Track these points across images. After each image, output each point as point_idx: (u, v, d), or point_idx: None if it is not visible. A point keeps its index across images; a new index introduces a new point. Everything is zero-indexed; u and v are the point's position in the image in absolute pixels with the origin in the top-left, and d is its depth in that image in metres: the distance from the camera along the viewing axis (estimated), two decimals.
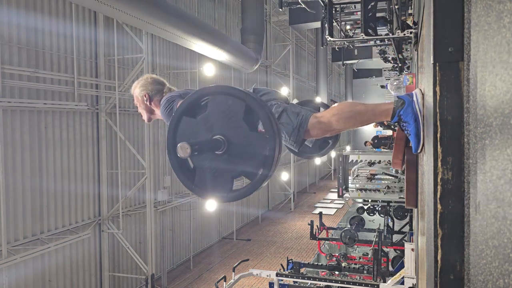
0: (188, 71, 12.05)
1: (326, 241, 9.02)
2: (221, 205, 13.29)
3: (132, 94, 2.21)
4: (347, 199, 9.91)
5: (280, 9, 11.10)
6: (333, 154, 24.72)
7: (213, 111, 1.43)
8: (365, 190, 8.66)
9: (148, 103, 2.11)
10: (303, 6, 7.61)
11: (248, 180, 1.44)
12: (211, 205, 11.74)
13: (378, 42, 7.90)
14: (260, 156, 1.39)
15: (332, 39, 5.40)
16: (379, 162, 8.74)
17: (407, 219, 8.64)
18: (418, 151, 1.63)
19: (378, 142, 11.65)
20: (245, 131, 1.39)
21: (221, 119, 1.42)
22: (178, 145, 1.29)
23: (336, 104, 1.86)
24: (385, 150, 10.37)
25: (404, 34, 3.91)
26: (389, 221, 8.65)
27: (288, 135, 1.81)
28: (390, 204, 8.72)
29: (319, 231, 8.97)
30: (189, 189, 1.48)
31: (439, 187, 1.00)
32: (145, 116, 2.18)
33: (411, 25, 3.82)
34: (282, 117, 1.83)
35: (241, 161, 1.41)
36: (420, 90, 1.68)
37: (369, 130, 31.10)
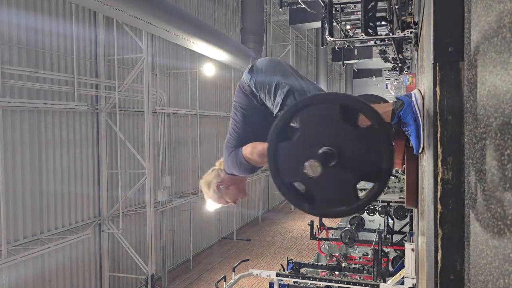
0: (188, 71, 12.05)
1: (326, 241, 9.02)
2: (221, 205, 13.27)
3: (215, 200, 2.08)
4: None
5: (280, 9, 11.10)
6: None
7: (306, 125, 1.33)
8: (365, 190, 8.64)
9: (225, 187, 1.99)
10: (303, 6, 7.62)
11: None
12: (211, 205, 11.73)
13: (378, 42, 7.90)
14: (376, 150, 1.28)
15: (332, 39, 5.40)
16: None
17: (407, 219, 8.64)
18: (419, 151, 1.63)
19: None
20: (349, 131, 1.29)
21: (319, 129, 1.31)
22: (307, 163, 1.20)
23: None
24: None
25: (404, 34, 3.91)
26: (389, 221, 8.64)
27: None
28: (390, 204, 8.71)
29: (319, 231, 8.97)
30: (311, 213, 1.37)
31: (439, 187, 1.00)
32: (239, 194, 2.04)
33: (411, 25, 3.83)
34: (288, 98, 1.72)
35: (357, 163, 1.30)
36: (419, 90, 1.68)
37: None
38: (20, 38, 7.12)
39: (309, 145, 1.30)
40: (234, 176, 1.96)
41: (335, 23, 5.89)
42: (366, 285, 5.69)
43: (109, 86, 9.10)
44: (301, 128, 1.33)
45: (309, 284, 6.70)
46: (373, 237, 7.71)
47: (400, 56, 7.87)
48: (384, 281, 5.75)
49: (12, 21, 6.97)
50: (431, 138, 1.12)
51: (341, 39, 6.10)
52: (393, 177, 8.96)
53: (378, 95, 2.55)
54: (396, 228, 8.80)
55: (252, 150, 1.77)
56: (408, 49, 8.41)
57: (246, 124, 1.86)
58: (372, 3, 4.84)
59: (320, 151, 1.28)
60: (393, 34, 5.04)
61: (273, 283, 6.35)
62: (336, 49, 8.32)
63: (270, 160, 1.35)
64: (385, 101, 2.22)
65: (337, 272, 7.27)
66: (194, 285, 10.72)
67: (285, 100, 1.72)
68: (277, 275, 6.31)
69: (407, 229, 8.37)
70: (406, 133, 1.66)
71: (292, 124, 1.36)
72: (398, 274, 5.36)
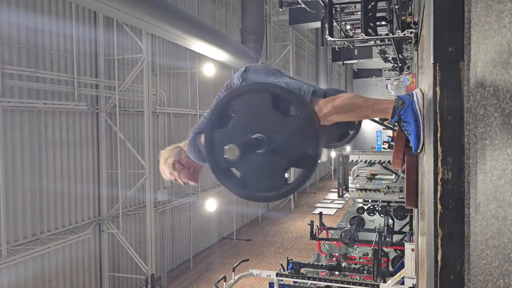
0: (188, 71, 12.05)
1: (326, 241, 9.02)
2: (221, 205, 13.30)
3: (165, 175, 2.12)
4: (347, 199, 9.91)
5: (280, 9, 11.11)
6: (333, 154, 24.73)
7: (240, 114, 1.41)
8: (365, 190, 8.66)
9: (180, 166, 2.04)
10: (303, 6, 7.62)
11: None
12: (211, 205, 11.75)
13: (378, 42, 7.90)
14: (303, 138, 1.35)
15: (332, 39, 5.40)
16: (379, 162, 8.74)
17: (407, 219, 8.64)
18: (418, 151, 1.63)
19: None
20: (280, 120, 1.35)
21: (252, 118, 1.39)
22: (226, 147, 1.25)
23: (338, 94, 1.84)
24: (385, 150, 10.36)
25: (404, 34, 3.91)
26: (389, 221, 8.65)
27: None
28: (390, 204, 8.72)
29: (319, 231, 8.97)
30: (246, 198, 1.43)
31: (439, 187, 1.00)
32: (190, 178, 2.08)
33: (411, 25, 3.83)
34: None
35: (287, 151, 1.37)
36: (420, 90, 1.68)
37: (370, 130, 31.11)
38: (20, 38, 7.12)
39: (242, 132, 1.38)
40: (192, 161, 2.01)
41: (335, 23, 5.90)
42: (366, 285, 5.69)
43: (109, 86, 9.10)
44: (235, 116, 1.41)
45: (309, 284, 6.70)
46: (373, 237, 7.72)
47: (400, 56, 7.87)
48: (384, 281, 5.75)
49: (12, 21, 6.97)
50: (431, 138, 1.12)
51: (341, 39, 6.10)
52: (392, 177, 8.96)
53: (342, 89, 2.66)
54: (396, 228, 8.81)
55: None
56: (408, 49, 8.41)
57: None
58: (372, 3, 4.85)
59: (251, 137, 1.35)
60: (393, 34, 5.04)
61: (273, 283, 6.35)
62: (336, 49, 8.32)
63: (206, 146, 1.44)
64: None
65: (337, 272, 7.27)
66: (194, 285, 10.72)
67: None
68: (277, 275, 6.31)
69: (407, 229, 8.38)
70: (406, 132, 1.66)
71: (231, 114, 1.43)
72: (398, 274, 5.36)
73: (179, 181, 2.10)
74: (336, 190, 9.50)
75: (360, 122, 2.44)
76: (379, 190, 8.53)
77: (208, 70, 12.12)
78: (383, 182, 8.72)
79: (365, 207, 9.58)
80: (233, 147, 1.25)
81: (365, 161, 8.80)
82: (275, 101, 1.37)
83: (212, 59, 10.94)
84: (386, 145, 11.40)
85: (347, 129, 2.45)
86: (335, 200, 19.69)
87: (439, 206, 1.00)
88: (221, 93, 1.96)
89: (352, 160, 9.14)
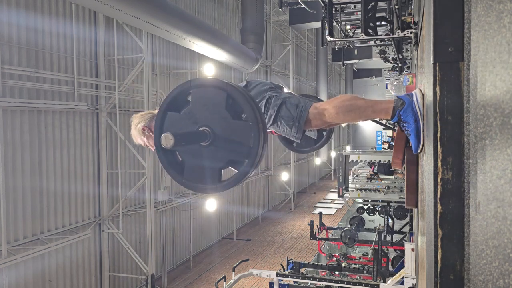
0: (188, 71, 12.05)
1: (326, 241, 9.03)
2: (221, 205, 13.30)
3: (135, 139, 2.12)
4: (347, 199, 9.90)
5: (280, 9, 11.11)
6: (333, 154, 24.72)
7: (196, 103, 1.44)
8: (365, 190, 8.66)
9: (150, 133, 2.04)
10: (303, 6, 7.62)
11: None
12: (211, 205, 11.75)
13: (378, 42, 7.89)
14: (245, 144, 1.39)
15: (332, 39, 5.40)
16: (379, 161, 8.74)
17: (407, 219, 8.65)
18: (418, 151, 1.63)
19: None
20: (229, 121, 1.39)
21: (205, 110, 1.42)
22: (162, 135, 1.28)
23: (337, 96, 1.86)
24: (385, 150, 10.35)
25: (404, 34, 3.91)
26: (389, 221, 8.64)
27: (290, 127, 1.81)
28: (390, 204, 8.72)
29: (319, 231, 8.97)
30: (179, 183, 1.48)
31: (439, 187, 1.00)
32: (151, 146, 2.07)
33: (411, 25, 3.83)
34: (281, 110, 1.83)
35: (227, 151, 1.41)
36: (420, 90, 1.68)
37: (370, 130, 31.10)
38: (20, 38, 7.12)
39: (192, 121, 1.43)
40: None
41: (335, 23, 5.89)
42: (366, 285, 5.69)
43: (109, 86, 9.10)
44: (191, 104, 1.45)
45: (309, 284, 6.70)
46: (373, 237, 7.72)
47: (400, 56, 7.87)
48: (384, 281, 5.75)
49: (12, 21, 6.97)
50: (431, 138, 1.12)
51: (341, 39, 6.10)
52: (392, 177, 8.96)
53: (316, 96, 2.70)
54: (396, 228, 8.81)
55: None
56: (408, 49, 8.41)
57: None
58: (372, 3, 4.84)
59: (199, 129, 1.40)
60: (393, 34, 5.04)
61: (273, 283, 6.35)
62: (336, 49, 8.32)
63: (156, 124, 1.48)
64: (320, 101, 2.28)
65: (337, 272, 7.27)
66: (194, 285, 10.72)
67: (278, 112, 1.83)
68: (277, 275, 6.31)
69: (407, 229, 8.38)
70: (406, 132, 1.66)
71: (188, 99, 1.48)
72: (398, 274, 5.36)
73: (149, 146, 2.11)
74: (336, 190, 9.50)
75: (330, 133, 2.50)
76: (379, 190, 8.53)
77: (208, 70, 12.12)
78: (383, 182, 8.72)
79: (365, 207, 9.58)
80: (168, 136, 1.28)
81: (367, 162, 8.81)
82: (230, 102, 1.40)
83: (212, 59, 10.93)
84: (386, 145, 11.38)
85: (321, 132, 2.48)
86: (335, 200, 19.69)
87: (439, 206, 1.00)
88: None
89: (352, 160, 9.15)
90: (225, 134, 1.40)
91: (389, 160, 8.53)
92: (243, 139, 1.39)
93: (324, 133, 2.49)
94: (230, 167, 1.47)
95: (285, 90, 2.05)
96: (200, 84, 1.45)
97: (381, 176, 8.98)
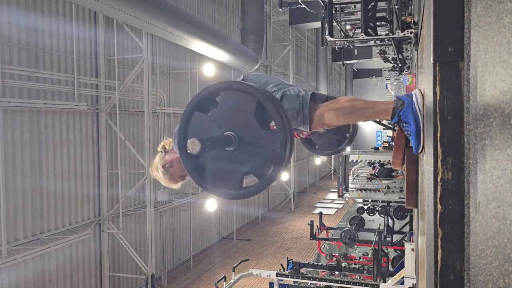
0: (188, 71, 12.05)
1: (326, 241, 9.02)
2: (221, 205, 13.29)
3: (167, 181, 2.11)
4: (347, 199, 9.90)
5: (280, 9, 11.11)
6: None
7: (224, 107, 1.40)
8: (365, 190, 8.66)
9: (169, 163, 2.04)
10: (303, 6, 7.62)
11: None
12: (211, 205, 11.75)
13: (378, 42, 7.89)
14: (270, 154, 1.35)
15: (332, 39, 5.40)
16: (379, 161, 8.74)
17: (407, 219, 8.65)
18: (419, 151, 1.63)
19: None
20: (256, 128, 1.36)
21: (232, 115, 1.39)
22: (188, 141, 1.26)
23: (337, 98, 1.85)
24: (385, 150, 10.35)
25: (404, 34, 3.91)
26: (389, 221, 8.65)
27: (295, 119, 1.79)
28: (390, 204, 8.72)
29: (319, 231, 8.97)
30: (198, 184, 1.45)
31: (439, 187, 1.00)
32: (182, 173, 2.06)
33: (411, 25, 3.83)
34: (282, 102, 1.80)
35: (251, 159, 1.38)
36: (420, 90, 1.68)
37: (370, 130, 31.09)
38: (20, 38, 7.12)
39: (217, 124, 1.40)
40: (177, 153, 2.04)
41: (335, 23, 5.90)
42: (366, 285, 5.69)
43: (109, 86, 9.10)
44: (219, 106, 1.41)
45: (309, 284, 6.70)
46: (373, 237, 7.72)
47: (400, 56, 7.87)
48: (384, 281, 5.75)
49: (12, 21, 6.97)
50: (431, 138, 1.12)
51: (341, 39, 6.10)
52: (391, 178, 8.96)
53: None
54: (396, 228, 8.81)
55: None
56: (408, 49, 8.41)
57: None
58: (372, 3, 4.84)
59: (225, 133, 1.37)
60: (393, 34, 5.04)
61: (273, 283, 6.35)
62: (336, 49, 8.32)
63: (181, 123, 1.44)
64: None
65: (337, 272, 7.27)
66: (194, 285, 10.72)
67: None
68: (277, 275, 6.31)
69: (407, 229, 8.38)
70: (406, 132, 1.66)
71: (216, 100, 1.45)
72: (398, 274, 5.36)
73: (180, 180, 2.09)
74: (336, 190, 9.50)
75: (355, 124, 2.45)
76: (379, 190, 8.53)
77: (208, 70, 12.12)
78: (383, 182, 8.72)
79: (365, 207, 9.59)
80: (195, 142, 1.26)
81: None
82: (260, 110, 1.37)
83: (212, 59, 10.93)
84: (386, 145, 11.38)
85: (344, 133, 2.46)
86: (335, 200, 19.69)
87: (439, 206, 1.00)
88: None
89: (352, 160, 9.15)
90: (251, 141, 1.37)
91: (389, 161, 8.53)
92: (269, 148, 1.36)
93: (347, 135, 2.47)
94: (252, 175, 1.44)
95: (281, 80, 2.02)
96: (230, 87, 1.42)
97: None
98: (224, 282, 6.02)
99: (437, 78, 1.01)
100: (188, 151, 1.28)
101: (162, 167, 2.05)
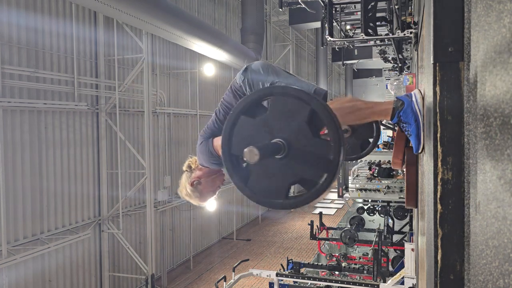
0: (188, 71, 12.05)
1: (326, 241, 9.02)
2: (221, 205, 13.30)
3: (198, 199, 2.13)
4: (347, 199, 9.90)
5: (280, 9, 11.11)
6: None
7: (274, 112, 1.34)
8: (365, 190, 8.65)
9: (197, 182, 2.04)
10: (303, 6, 7.62)
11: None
12: (211, 205, 11.74)
13: (378, 42, 7.90)
14: (323, 162, 1.30)
15: (332, 39, 5.40)
16: (379, 162, 8.74)
17: (407, 219, 8.64)
18: (419, 151, 1.63)
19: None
20: (307, 135, 1.30)
21: (283, 121, 1.33)
22: (246, 149, 1.20)
23: (336, 98, 1.85)
24: (385, 150, 10.35)
25: (404, 34, 3.92)
26: (389, 221, 8.64)
27: None
28: (390, 204, 8.72)
29: (319, 231, 8.97)
30: (240, 190, 1.39)
31: (439, 187, 1.00)
32: (212, 188, 2.08)
33: (411, 25, 3.83)
34: None
35: (301, 167, 1.32)
36: (419, 90, 1.68)
37: None
38: (20, 38, 7.12)
39: (267, 130, 1.33)
40: (205, 168, 2.02)
41: (335, 23, 5.90)
42: (366, 285, 5.69)
43: (109, 86, 9.10)
44: (268, 112, 1.35)
45: (309, 284, 6.70)
46: (373, 237, 7.71)
47: (400, 56, 7.87)
48: (384, 281, 5.75)
49: (12, 21, 6.97)
50: (431, 138, 1.12)
51: (341, 39, 6.11)
52: (391, 178, 8.96)
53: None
54: (396, 228, 8.80)
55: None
56: (408, 49, 8.41)
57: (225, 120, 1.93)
58: (372, 3, 4.85)
59: (275, 140, 1.31)
60: (393, 34, 5.04)
61: (273, 283, 6.35)
62: (336, 49, 8.33)
63: (227, 125, 1.38)
64: None
65: (337, 272, 7.27)
66: (194, 285, 10.72)
67: None
68: (277, 275, 6.30)
69: (407, 229, 8.38)
70: (406, 133, 1.66)
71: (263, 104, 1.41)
72: (398, 274, 5.36)
73: (211, 195, 2.09)
74: (336, 190, 9.49)
75: (378, 128, 2.42)
76: (379, 190, 8.52)
77: (208, 70, 12.12)
78: (383, 182, 8.72)
79: (365, 207, 9.58)
80: (253, 150, 1.19)
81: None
82: (312, 116, 1.31)
83: (212, 59, 10.93)
84: (386, 144, 11.37)
85: (367, 138, 2.43)
86: (335, 200, 19.68)
87: (439, 206, 1.00)
88: (226, 95, 1.95)
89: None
90: (302, 149, 1.31)
91: (389, 161, 8.53)
92: (321, 158, 1.30)
93: (370, 140, 2.45)
94: (298, 185, 1.39)
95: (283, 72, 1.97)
96: (282, 93, 1.36)
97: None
98: (224, 282, 6.02)
99: (437, 78, 1.01)
100: (245, 159, 1.22)
101: (190, 185, 2.04)
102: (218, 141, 1.86)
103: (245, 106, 1.38)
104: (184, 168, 2.10)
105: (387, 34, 5.37)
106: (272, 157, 1.30)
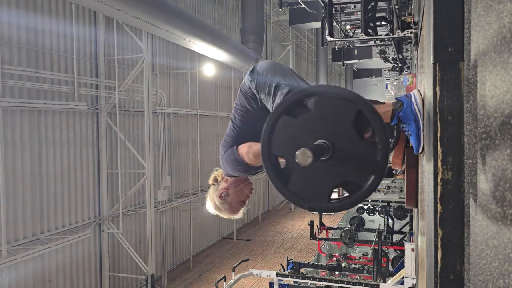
0: (188, 71, 12.05)
1: (326, 241, 9.02)
2: None
3: (228, 212, 2.07)
4: None
5: (280, 9, 11.11)
6: None
7: (318, 112, 1.29)
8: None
9: (226, 193, 2.00)
10: (303, 6, 7.62)
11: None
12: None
13: (378, 42, 7.90)
14: (368, 166, 1.26)
15: (332, 39, 5.40)
16: None
17: (407, 219, 8.64)
18: (419, 151, 1.63)
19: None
20: (352, 137, 1.26)
21: (327, 122, 1.28)
22: (298, 151, 1.17)
23: None
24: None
25: (404, 34, 3.92)
26: (389, 221, 8.64)
27: None
28: (390, 204, 8.71)
29: (319, 231, 8.97)
30: (280, 191, 1.35)
31: (439, 187, 1.00)
32: (241, 198, 2.03)
33: (411, 25, 3.83)
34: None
35: (344, 170, 1.28)
36: (418, 90, 1.68)
37: None
38: (20, 38, 7.12)
39: (310, 131, 1.28)
40: (231, 178, 1.98)
41: (335, 23, 5.90)
42: (366, 285, 5.69)
43: (109, 86, 9.10)
44: (313, 111, 1.30)
45: (309, 284, 6.70)
46: (373, 237, 7.71)
47: (400, 56, 7.87)
48: (384, 281, 5.75)
49: (12, 21, 6.97)
50: (431, 138, 1.12)
51: (341, 39, 6.11)
52: (391, 178, 8.96)
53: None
54: (396, 228, 8.80)
55: (248, 149, 1.79)
56: (408, 49, 8.41)
57: (243, 126, 1.88)
58: (372, 3, 4.85)
59: (317, 141, 1.26)
60: (393, 34, 5.04)
61: (273, 283, 6.35)
62: (336, 49, 8.33)
63: (268, 125, 1.33)
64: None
65: (337, 272, 7.27)
66: (194, 285, 10.72)
67: None
68: (277, 275, 6.31)
69: (407, 229, 8.37)
70: (406, 133, 1.66)
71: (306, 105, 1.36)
72: (398, 274, 5.36)
73: (241, 205, 2.04)
74: (336, 190, 9.47)
75: (399, 130, 2.39)
76: (379, 190, 8.52)
77: (208, 70, 12.12)
78: (383, 182, 8.72)
79: (365, 207, 9.58)
80: (307, 153, 1.15)
81: None
82: (358, 117, 1.26)
83: (212, 59, 10.94)
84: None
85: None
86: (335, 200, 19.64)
87: (439, 206, 1.00)
88: (237, 99, 1.90)
89: None
90: (346, 151, 1.26)
91: (389, 161, 8.51)
92: (367, 160, 1.26)
93: (391, 140, 2.41)
94: (341, 188, 1.35)
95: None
96: (326, 92, 1.31)
97: None
98: (224, 282, 6.02)
99: (437, 78, 1.01)
100: (297, 161, 1.18)
101: (218, 197, 1.99)
102: (243, 148, 1.81)
103: (288, 106, 1.33)
104: (210, 181, 2.05)
105: (387, 34, 5.37)
106: (316, 158, 1.25)
